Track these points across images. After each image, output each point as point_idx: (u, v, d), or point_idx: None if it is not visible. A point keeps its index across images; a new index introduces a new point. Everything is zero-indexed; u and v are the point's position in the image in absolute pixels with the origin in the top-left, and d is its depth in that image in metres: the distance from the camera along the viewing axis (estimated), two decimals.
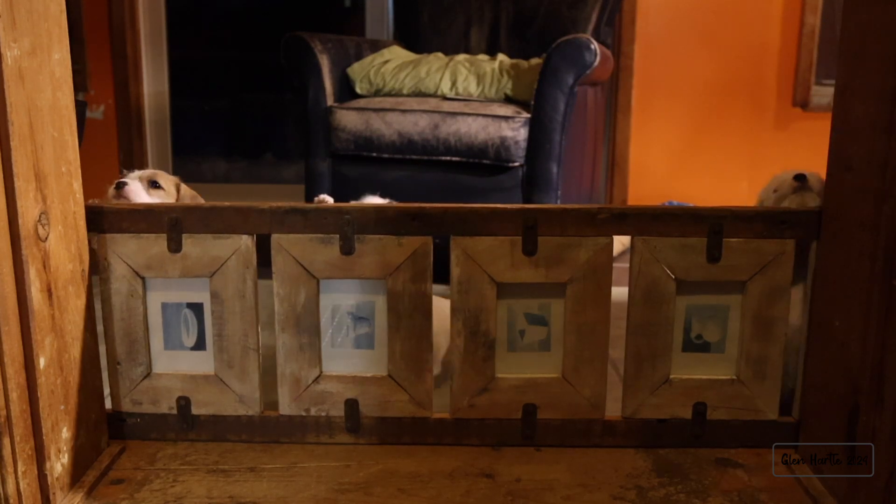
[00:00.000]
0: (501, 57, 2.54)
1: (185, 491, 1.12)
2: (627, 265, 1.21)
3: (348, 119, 2.24)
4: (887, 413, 0.99)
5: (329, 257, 1.21)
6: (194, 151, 3.58)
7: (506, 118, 2.14)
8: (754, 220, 1.19)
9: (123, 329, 1.23)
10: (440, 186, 2.20)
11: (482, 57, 2.58)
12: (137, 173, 1.43)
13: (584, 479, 1.16)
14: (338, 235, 1.20)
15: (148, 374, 1.25)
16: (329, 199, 1.38)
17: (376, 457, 1.22)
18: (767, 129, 3.07)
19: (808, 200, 1.19)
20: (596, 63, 2.12)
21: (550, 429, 1.25)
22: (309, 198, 2.29)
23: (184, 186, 1.47)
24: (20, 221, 0.98)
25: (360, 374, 1.25)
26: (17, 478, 1.00)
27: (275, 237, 1.21)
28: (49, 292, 1.05)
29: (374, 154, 2.24)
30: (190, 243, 1.21)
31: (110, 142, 3.17)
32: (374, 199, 1.40)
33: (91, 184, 1.22)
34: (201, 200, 1.48)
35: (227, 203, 1.22)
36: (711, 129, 3.08)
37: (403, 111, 2.21)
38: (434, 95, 2.36)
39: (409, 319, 1.22)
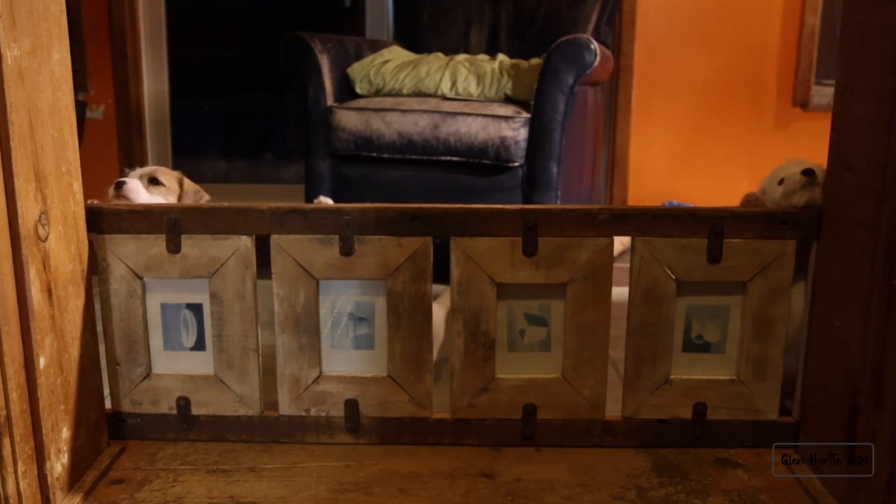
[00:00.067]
0: (501, 57, 2.54)
1: (185, 491, 1.12)
2: (628, 265, 1.21)
3: (348, 119, 2.24)
4: (887, 413, 0.99)
5: (329, 258, 1.21)
6: (194, 151, 3.58)
7: (506, 118, 2.14)
8: (755, 220, 1.19)
9: (123, 330, 1.23)
10: (440, 186, 2.20)
11: (482, 57, 2.58)
12: (139, 171, 1.43)
13: (584, 479, 1.16)
14: (337, 236, 1.20)
15: (148, 375, 1.25)
16: (328, 201, 1.37)
17: (376, 457, 1.22)
18: (767, 129, 3.07)
19: (817, 196, 1.19)
20: (596, 63, 2.12)
21: (550, 429, 1.25)
22: (309, 198, 2.29)
23: (187, 181, 1.46)
24: (20, 221, 0.98)
25: (360, 375, 1.25)
26: (17, 478, 1.00)
27: (274, 238, 1.21)
28: (49, 292, 1.05)
29: (374, 154, 2.23)
30: (189, 244, 1.21)
31: (110, 142, 3.17)
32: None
33: (91, 184, 1.22)
34: (205, 195, 1.47)
35: (226, 203, 1.22)
36: (711, 129, 3.08)
37: (403, 111, 2.21)
38: (434, 95, 2.36)
39: (409, 320, 1.22)
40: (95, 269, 1.20)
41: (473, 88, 2.35)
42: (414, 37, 2.80)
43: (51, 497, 1.06)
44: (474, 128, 2.15)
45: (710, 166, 3.10)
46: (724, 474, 1.18)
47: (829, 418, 1.13)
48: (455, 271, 1.21)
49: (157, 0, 3.22)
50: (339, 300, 1.24)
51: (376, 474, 1.17)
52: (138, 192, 1.37)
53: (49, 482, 1.05)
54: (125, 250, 1.21)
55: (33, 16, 1.00)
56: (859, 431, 1.04)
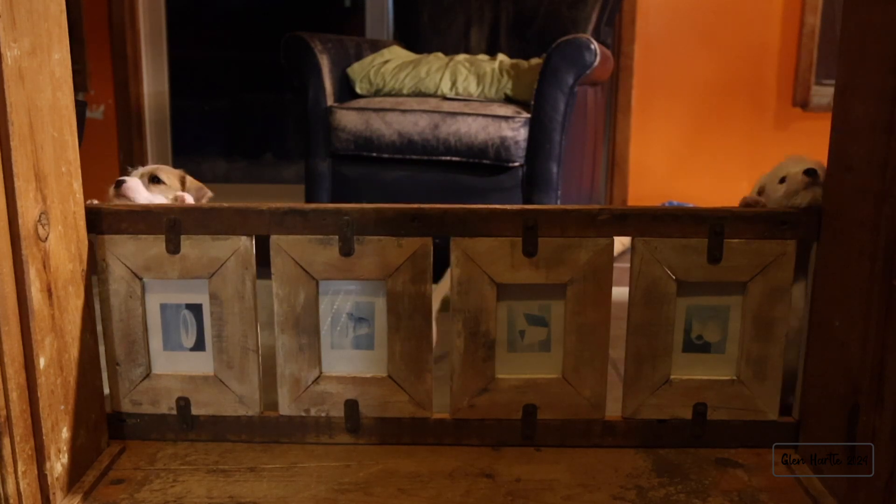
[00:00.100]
0: (501, 57, 2.54)
1: (185, 491, 1.12)
2: (628, 265, 1.21)
3: (348, 119, 2.24)
4: (887, 413, 0.99)
5: (328, 258, 1.21)
6: (194, 151, 3.58)
7: (506, 118, 2.14)
8: (755, 220, 1.19)
9: (122, 330, 1.23)
10: (440, 186, 2.20)
11: (482, 57, 2.58)
12: (141, 170, 1.43)
13: (584, 479, 1.16)
14: (337, 236, 1.20)
15: (147, 375, 1.25)
16: (188, 198, 1.36)
17: (376, 457, 1.22)
18: (767, 129, 3.07)
19: (819, 195, 1.19)
20: (596, 63, 2.12)
21: (550, 429, 1.25)
22: (309, 198, 2.29)
23: (189, 179, 1.46)
24: (20, 221, 0.98)
25: (359, 375, 1.25)
26: (17, 478, 1.00)
27: (274, 238, 1.21)
28: (49, 292, 1.05)
29: (374, 154, 2.23)
30: (189, 244, 1.21)
31: (110, 142, 3.17)
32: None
33: (91, 184, 1.22)
34: (208, 192, 1.47)
35: (225, 204, 1.22)
36: (711, 129, 3.08)
37: (403, 111, 2.21)
38: (434, 95, 2.36)
39: (409, 320, 1.22)
40: (95, 269, 1.20)
41: (473, 88, 2.35)
42: (414, 37, 2.81)
43: (51, 497, 1.06)
44: (474, 128, 2.15)
45: (710, 166, 3.10)
46: (724, 474, 1.18)
47: (829, 418, 1.13)
48: (455, 271, 1.21)
49: (157, 0, 3.22)
50: (339, 300, 1.24)
51: (376, 474, 1.17)
52: (138, 190, 1.37)
53: (49, 482, 1.05)
54: (125, 251, 1.21)
55: (33, 16, 1.00)
56: (859, 431, 1.04)
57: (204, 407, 1.26)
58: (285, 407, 1.25)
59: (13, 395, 0.98)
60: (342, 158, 2.28)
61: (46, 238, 1.04)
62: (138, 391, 1.25)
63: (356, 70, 2.44)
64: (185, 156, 3.45)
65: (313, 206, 1.21)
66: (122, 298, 1.22)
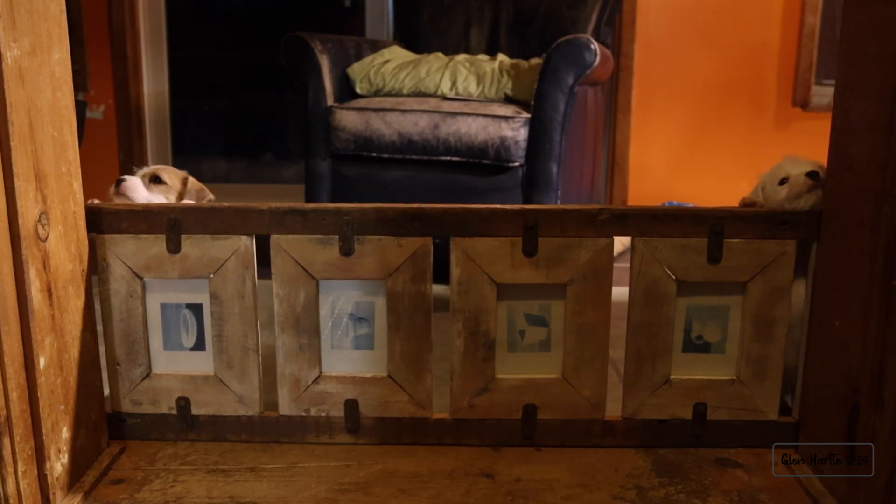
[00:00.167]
0: (501, 57, 2.54)
1: (185, 491, 1.12)
2: (628, 265, 1.21)
3: (348, 119, 2.24)
4: (887, 413, 0.99)
5: (328, 258, 1.21)
6: (194, 151, 3.58)
7: (506, 118, 2.14)
8: (755, 220, 1.19)
9: (123, 330, 1.23)
10: (440, 186, 2.20)
11: (482, 57, 2.57)
12: (144, 170, 1.44)
13: (584, 479, 1.16)
14: (337, 236, 1.20)
15: (147, 375, 1.25)
16: (138, 191, 1.36)
17: (376, 457, 1.22)
18: (767, 129, 3.07)
19: (821, 197, 1.20)
20: (596, 63, 2.11)
21: (550, 429, 1.25)
22: (309, 198, 2.29)
23: (191, 180, 1.46)
24: (20, 221, 0.98)
25: (359, 375, 1.25)
26: (17, 478, 1.00)
27: (274, 238, 1.21)
28: (49, 292, 1.05)
29: (374, 154, 2.23)
30: (189, 244, 1.21)
31: (110, 142, 3.17)
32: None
33: (91, 184, 1.22)
34: (209, 194, 1.47)
35: (226, 204, 1.22)
36: (711, 129, 3.08)
37: (403, 111, 2.21)
38: (434, 95, 2.36)
39: (409, 320, 1.22)
40: (95, 269, 1.20)
41: (473, 88, 2.35)
42: (414, 37, 2.80)
43: (51, 497, 1.06)
44: (474, 128, 2.15)
45: (710, 166, 3.10)
46: (724, 474, 1.18)
47: (829, 418, 1.13)
48: (455, 271, 1.21)
49: (157, 0, 3.22)
50: (339, 300, 1.24)
51: (376, 474, 1.17)
52: (137, 189, 1.38)
53: (49, 482, 1.05)
54: (125, 250, 1.21)
55: (33, 16, 1.00)
56: (859, 431, 1.04)
57: (204, 407, 1.26)
58: (285, 407, 1.25)
59: (13, 395, 0.98)
60: (342, 158, 2.28)
61: (46, 238, 1.04)
62: (138, 391, 1.25)
63: (356, 70, 2.44)
64: (185, 156, 3.45)
65: (313, 205, 1.21)
66: (123, 298, 1.22)
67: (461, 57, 2.52)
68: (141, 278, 1.22)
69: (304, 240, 1.20)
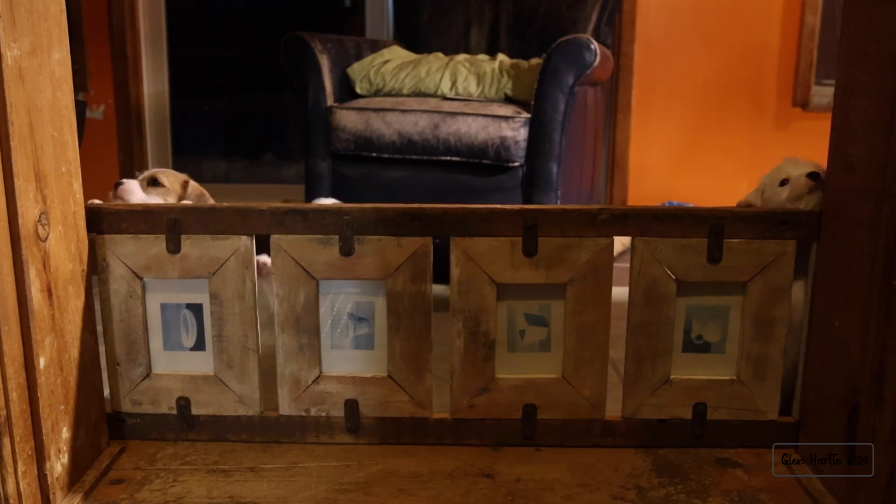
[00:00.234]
0: (501, 57, 2.54)
1: (185, 491, 1.12)
2: (628, 265, 1.21)
3: (348, 119, 2.24)
4: (887, 413, 0.99)
5: (328, 258, 1.21)
6: (194, 151, 3.58)
7: (506, 118, 2.14)
8: (755, 220, 1.19)
9: (123, 330, 1.23)
10: (440, 186, 2.20)
11: (482, 57, 2.58)
12: (146, 173, 1.44)
13: (584, 479, 1.16)
14: (337, 236, 1.20)
15: (147, 375, 1.25)
16: (135, 194, 1.36)
17: (376, 457, 1.22)
18: (767, 129, 3.07)
19: (822, 198, 1.20)
20: (596, 63, 2.12)
21: (550, 429, 1.25)
22: (309, 197, 2.29)
23: (192, 184, 1.46)
24: (20, 221, 0.98)
25: (359, 375, 1.25)
26: (17, 478, 1.00)
27: (274, 238, 1.21)
28: (49, 292, 1.05)
29: (374, 154, 2.23)
30: (189, 244, 1.21)
31: (110, 142, 3.17)
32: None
33: (91, 184, 1.22)
34: (209, 199, 1.47)
35: (226, 204, 1.22)
36: (711, 129, 3.08)
37: (403, 111, 2.21)
38: (434, 95, 2.36)
39: (409, 320, 1.22)
40: (95, 269, 1.20)
41: (473, 88, 2.35)
42: (414, 37, 2.81)
43: (51, 497, 1.06)
44: (474, 128, 2.15)
45: (710, 166, 3.10)
46: (724, 474, 1.18)
47: (829, 418, 1.13)
48: (455, 271, 1.21)
49: (157, 0, 3.22)
50: (339, 300, 1.24)
51: (376, 474, 1.17)
52: (133, 192, 1.39)
53: (49, 482, 1.05)
54: (125, 250, 1.21)
55: (33, 16, 1.00)
56: (859, 431, 1.04)
57: (204, 407, 1.26)
58: (285, 407, 1.25)
59: (13, 395, 0.98)
60: (342, 158, 2.28)
61: (46, 238, 1.04)
62: (138, 391, 1.25)
63: (356, 70, 2.44)
64: (185, 156, 3.45)
65: (313, 205, 1.21)
66: (123, 298, 1.22)
67: (461, 57, 2.52)
68: (141, 278, 1.22)
69: (304, 240, 1.20)
